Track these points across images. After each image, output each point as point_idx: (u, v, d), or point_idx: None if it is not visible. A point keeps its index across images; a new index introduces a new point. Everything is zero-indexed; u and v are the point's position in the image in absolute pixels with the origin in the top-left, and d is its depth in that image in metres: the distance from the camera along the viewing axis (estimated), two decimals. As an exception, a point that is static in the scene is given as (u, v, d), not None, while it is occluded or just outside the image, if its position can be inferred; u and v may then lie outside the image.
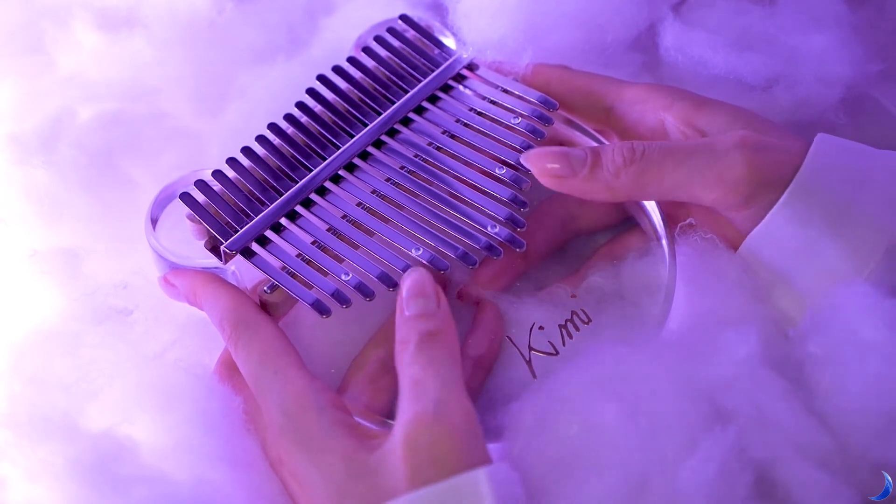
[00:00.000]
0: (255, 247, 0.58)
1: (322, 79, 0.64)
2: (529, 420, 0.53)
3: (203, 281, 0.58)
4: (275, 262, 0.58)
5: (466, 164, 0.61)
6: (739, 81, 0.66)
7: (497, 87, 0.64)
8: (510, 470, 0.50)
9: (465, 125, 0.63)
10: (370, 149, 0.62)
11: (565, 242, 0.65)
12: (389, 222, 0.59)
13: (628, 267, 0.62)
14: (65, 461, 0.53)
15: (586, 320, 0.60)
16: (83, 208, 0.64)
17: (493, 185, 0.60)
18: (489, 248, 0.58)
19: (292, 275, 0.57)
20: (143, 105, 0.68)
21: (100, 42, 0.70)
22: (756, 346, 0.54)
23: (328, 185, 0.61)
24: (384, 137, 0.62)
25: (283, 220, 0.59)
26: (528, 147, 0.61)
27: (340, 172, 0.61)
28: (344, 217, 0.59)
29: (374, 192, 0.60)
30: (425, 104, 0.64)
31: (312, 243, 0.59)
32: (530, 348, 0.59)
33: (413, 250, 0.58)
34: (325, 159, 0.61)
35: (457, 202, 0.60)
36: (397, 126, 0.63)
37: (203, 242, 0.60)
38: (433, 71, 0.65)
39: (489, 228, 0.58)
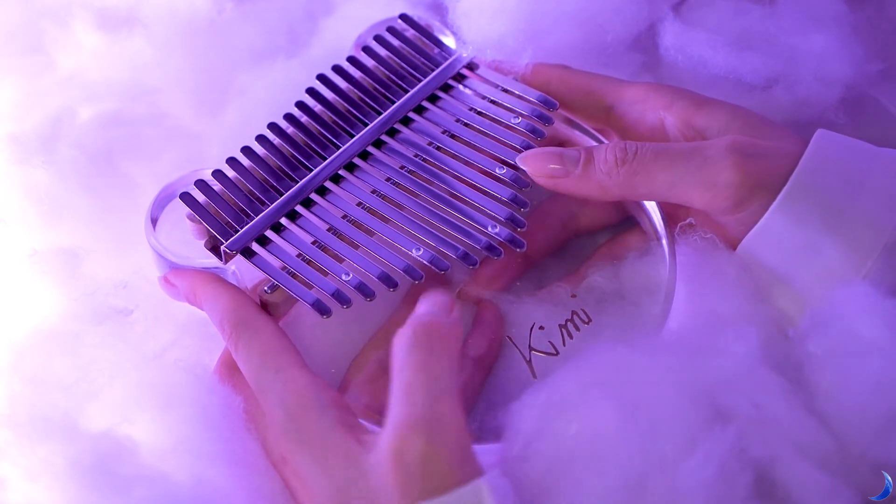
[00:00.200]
0: (255, 247, 0.58)
1: (322, 78, 0.64)
2: (529, 420, 0.53)
3: (203, 281, 0.58)
4: (275, 262, 0.58)
5: (466, 163, 0.61)
6: (739, 81, 0.66)
7: (497, 86, 0.64)
8: (501, 476, 0.50)
9: (465, 125, 0.63)
10: (370, 148, 0.62)
11: (565, 242, 0.65)
12: (390, 222, 0.59)
13: (628, 267, 0.62)
14: (65, 461, 0.53)
15: (586, 320, 0.60)
16: (83, 208, 0.64)
17: (493, 184, 0.60)
18: (489, 247, 0.58)
19: (292, 275, 0.57)
20: (143, 105, 0.68)
21: (100, 42, 0.70)
22: (756, 346, 0.54)
23: (328, 184, 0.61)
24: (384, 137, 0.62)
25: (284, 220, 0.59)
26: (528, 147, 0.61)
27: (341, 172, 0.61)
28: (344, 217, 0.59)
29: (374, 191, 0.60)
30: (425, 104, 0.64)
31: (313, 243, 0.59)
32: (531, 348, 0.59)
33: (413, 250, 0.58)
34: (325, 159, 0.61)
35: (457, 202, 0.59)
36: (397, 126, 0.63)
37: (203, 242, 0.60)
38: (433, 70, 0.65)
39: (489, 228, 0.58)
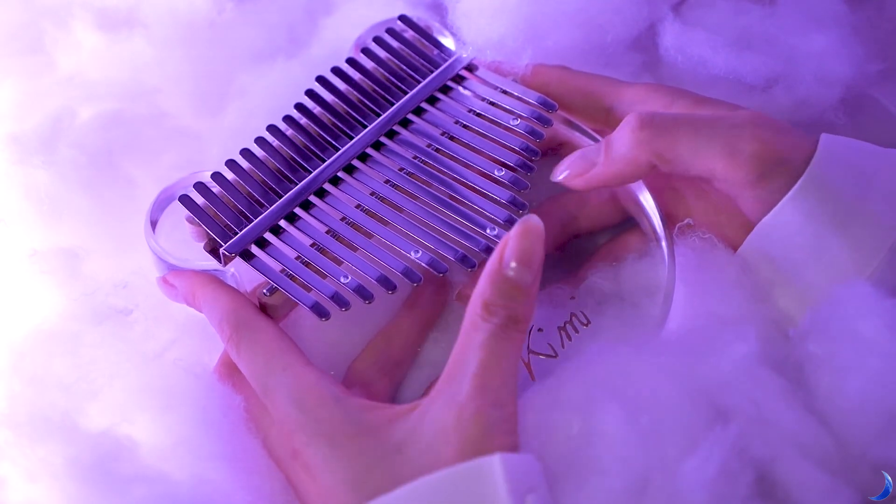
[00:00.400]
0: (254, 249, 0.58)
1: (321, 80, 0.64)
2: (530, 421, 0.53)
3: (202, 282, 0.59)
4: (274, 265, 0.58)
5: (465, 165, 0.61)
6: (739, 81, 0.66)
7: (496, 88, 0.64)
8: (533, 460, 0.50)
9: (465, 127, 0.63)
10: (369, 151, 0.62)
11: (565, 244, 0.65)
12: (388, 225, 0.59)
13: (628, 268, 0.62)
14: (64, 461, 0.53)
15: (585, 322, 0.60)
16: (83, 208, 0.64)
17: (492, 186, 0.60)
18: (488, 250, 0.58)
19: (291, 277, 0.57)
20: (143, 105, 0.68)
21: (100, 42, 0.70)
22: (755, 346, 0.54)
23: (327, 187, 0.61)
24: (383, 139, 0.62)
25: (283, 223, 0.59)
26: (527, 148, 0.61)
27: (340, 174, 0.61)
28: (343, 219, 0.59)
29: (373, 194, 0.60)
30: (424, 105, 0.64)
31: (312, 246, 0.59)
32: (529, 351, 0.59)
33: (412, 253, 0.58)
34: (324, 161, 0.61)
35: (456, 204, 0.59)
36: (396, 128, 0.63)
37: (202, 245, 0.60)
38: (432, 72, 0.65)
39: (488, 230, 0.58)
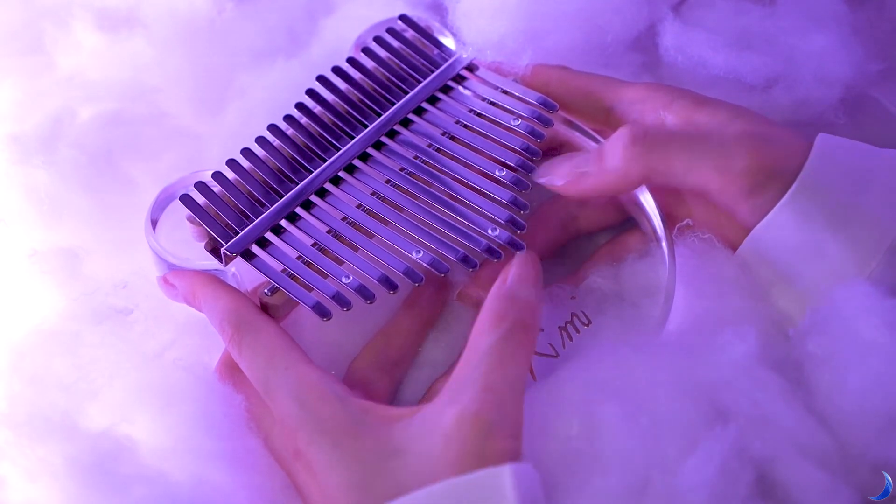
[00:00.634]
0: (255, 249, 0.58)
1: (321, 80, 0.64)
2: (530, 421, 0.53)
3: (203, 282, 0.58)
4: (275, 265, 0.58)
5: (466, 165, 0.61)
6: (739, 81, 0.66)
7: (496, 88, 0.64)
8: (533, 470, 0.50)
9: (465, 127, 0.63)
10: (370, 150, 0.62)
11: (565, 244, 0.65)
12: (389, 224, 0.59)
13: (628, 268, 0.62)
14: (64, 461, 0.53)
15: (586, 322, 0.60)
16: (83, 208, 0.64)
17: (492, 187, 0.60)
18: (489, 250, 0.58)
19: (293, 277, 0.57)
20: (143, 105, 0.68)
21: (100, 42, 0.70)
22: (755, 346, 0.54)
23: (328, 186, 0.61)
24: (384, 139, 0.62)
25: (284, 223, 0.59)
26: (528, 148, 0.61)
27: (340, 174, 0.61)
28: (344, 219, 0.59)
29: (373, 194, 0.60)
30: (425, 105, 0.64)
31: (313, 245, 0.59)
32: (530, 350, 0.59)
33: (413, 253, 0.58)
34: (325, 161, 0.61)
35: (457, 204, 0.59)
36: (397, 128, 0.63)
37: (203, 244, 0.60)
38: (433, 72, 0.65)
39: (489, 231, 0.58)
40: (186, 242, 0.61)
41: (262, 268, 0.58)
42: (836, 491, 0.51)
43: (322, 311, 0.56)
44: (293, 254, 0.58)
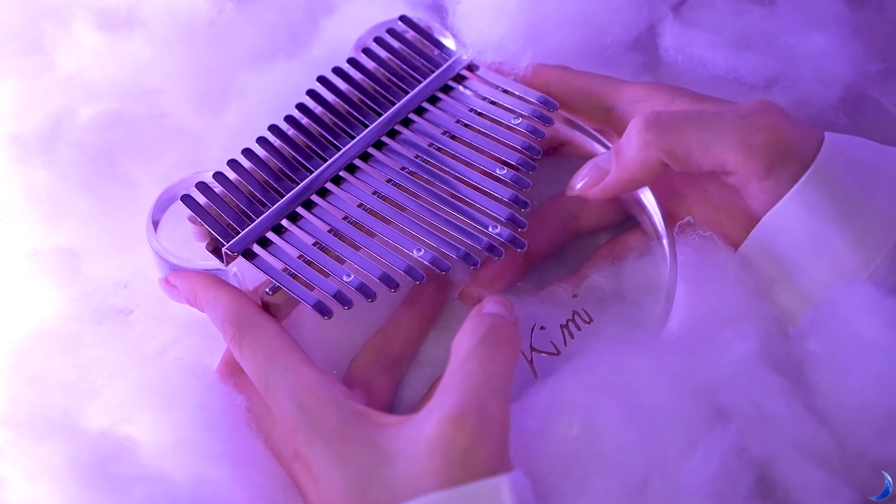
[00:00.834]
0: (256, 248, 0.58)
1: (322, 80, 0.64)
2: (531, 420, 0.53)
3: (204, 282, 0.58)
4: (276, 264, 0.58)
5: (467, 164, 0.61)
6: (739, 81, 0.66)
7: (497, 87, 0.64)
8: (524, 476, 0.50)
9: (466, 126, 0.63)
10: (371, 150, 0.62)
11: (566, 242, 0.65)
12: (390, 223, 0.59)
13: (629, 267, 0.62)
14: (64, 461, 0.53)
15: (587, 320, 0.60)
16: (83, 208, 0.64)
17: (493, 185, 0.60)
18: (490, 248, 0.58)
19: (294, 276, 0.57)
20: (143, 105, 0.68)
21: (100, 42, 0.70)
22: (756, 345, 0.54)
23: (329, 186, 0.61)
24: (384, 139, 0.62)
25: (285, 222, 0.59)
26: (529, 147, 0.61)
27: (341, 174, 0.61)
28: (345, 218, 0.59)
29: (374, 193, 0.60)
30: (425, 105, 0.64)
31: (314, 245, 0.59)
32: (532, 348, 0.59)
33: (414, 251, 0.58)
34: (325, 161, 0.61)
35: (458, 203, 0.59)
36: (398, 127, 0.63)
37: (204, 244, 0.60)
38: (433, 72, 0.65)
39: (490, 229, 0.58)
40: (187, 243, 0.61)
41: (264, 267, 0.58)
42: (836, 491, 0.51)
43: (323, 310, 0.56)
44: (294, 253, 0.58)
